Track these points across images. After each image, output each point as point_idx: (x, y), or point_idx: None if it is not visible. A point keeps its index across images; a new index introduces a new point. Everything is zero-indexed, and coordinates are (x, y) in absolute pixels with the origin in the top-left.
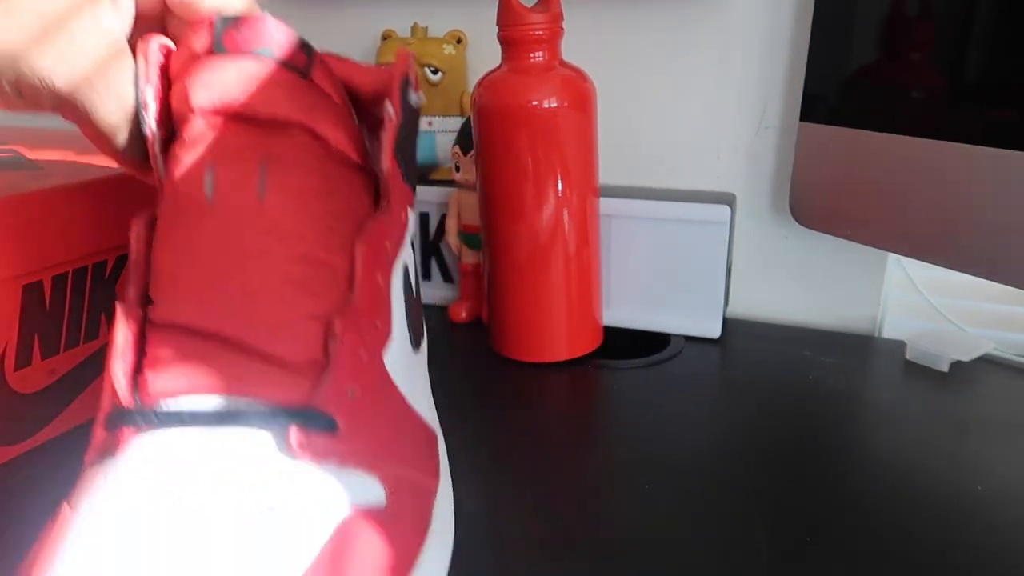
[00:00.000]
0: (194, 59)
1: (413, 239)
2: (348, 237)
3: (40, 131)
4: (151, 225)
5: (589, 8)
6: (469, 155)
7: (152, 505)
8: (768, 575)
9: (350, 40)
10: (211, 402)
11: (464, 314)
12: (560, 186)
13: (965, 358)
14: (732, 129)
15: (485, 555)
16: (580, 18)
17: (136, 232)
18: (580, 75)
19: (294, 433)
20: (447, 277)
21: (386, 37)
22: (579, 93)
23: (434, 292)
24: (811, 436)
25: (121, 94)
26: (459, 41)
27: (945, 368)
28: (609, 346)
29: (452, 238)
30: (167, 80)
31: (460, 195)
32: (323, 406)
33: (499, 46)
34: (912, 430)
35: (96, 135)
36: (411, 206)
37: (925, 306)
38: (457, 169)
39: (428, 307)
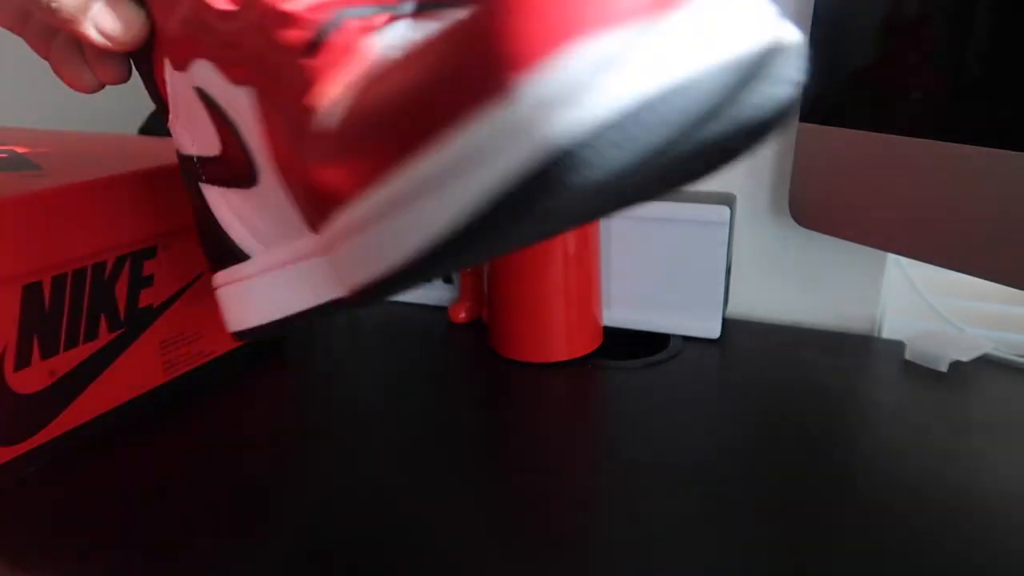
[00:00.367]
0: None
1: None
2: None
3: (40, 131)
4: None
5: None
6: None
7: None
8: (768, 575)
9: None
10: None
11: (464, 314)
12: None
13: (964, 358)
14: None
15: (484, 554)
16: None
17: None
18: None
19: None
20: (447, 277)
21: None
22: None
23: (434, 292)
24: (810, 436)
25: None
26: None
27: (944, 368)
28: (609, 346)
29: None
30: None
31: None
32: None
33: None
34: (912, 430)
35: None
36: None
37: (924, 306)
38: None
39: (428, 307)
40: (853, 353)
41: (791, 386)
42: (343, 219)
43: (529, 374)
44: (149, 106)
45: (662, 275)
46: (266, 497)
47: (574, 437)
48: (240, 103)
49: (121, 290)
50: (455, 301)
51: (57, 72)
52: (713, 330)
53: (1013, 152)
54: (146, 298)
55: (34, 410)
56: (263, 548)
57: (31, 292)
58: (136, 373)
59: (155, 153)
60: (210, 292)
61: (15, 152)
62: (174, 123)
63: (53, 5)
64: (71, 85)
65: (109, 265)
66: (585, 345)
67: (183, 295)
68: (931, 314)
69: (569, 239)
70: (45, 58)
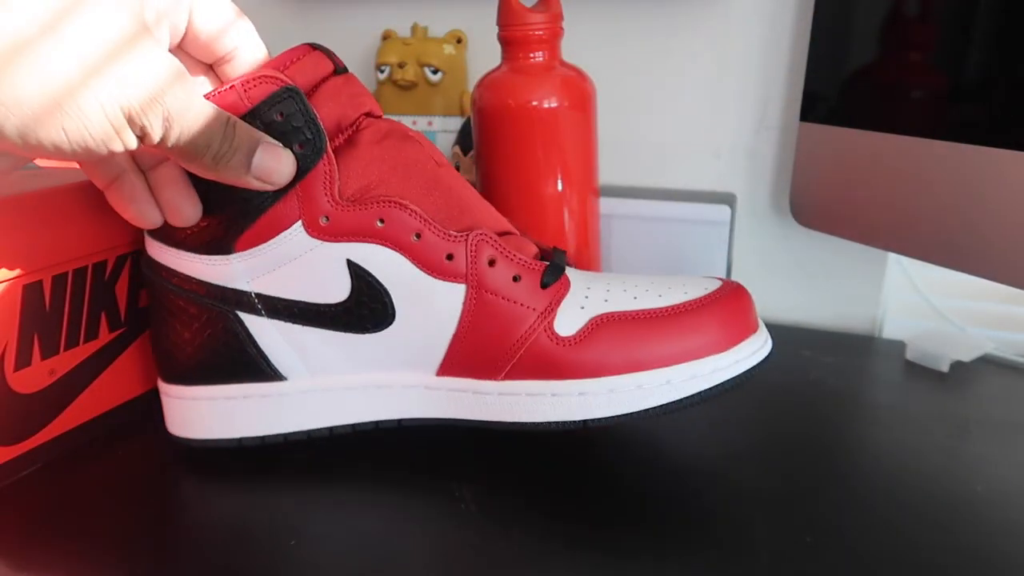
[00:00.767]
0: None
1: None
2: None
3: None
4: None
5: (589, 8)
6: (469, 155)
7: None
8: (768, 575)
9: (350, 40)
10: None
11: None
12: (560, 186)
13: (965, 358)
14: (732, 129)
15: (483, 554)
16: (580, 18)
17: None
18: (580, 75)
19: None
20: None
21: (386, 37)
22: (579, 93)
23: None
24: (811, 436)
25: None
26: (459, 41)
27: (945, 368)
28: None
29: None
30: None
31: None
32: None
33: (499, 46)
34: (912, 430)
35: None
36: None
37: (925, 306)
38: (457, 169)
39: None
40: (853, 353)
41: (792, 386)
42: (528, 386)
43: None
44: None
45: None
46: (267, 495)
47: (573, 437)
48: (428, 287)
49: (122, 289)
50: None
51: (120, 208)
52: None
53: (1013, 152)
54: (147, 298)
55: (34, 410)
56: (266, 548)
57: (31, 292)
58: (137, 373)
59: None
60: None
61: None
62: (246, 266)
63: (222, 163)
64: (134, 221)
65: (110, 264)
66: None
67: None
68: (932, 314)
69: (569, 239)
70: (102, 189)
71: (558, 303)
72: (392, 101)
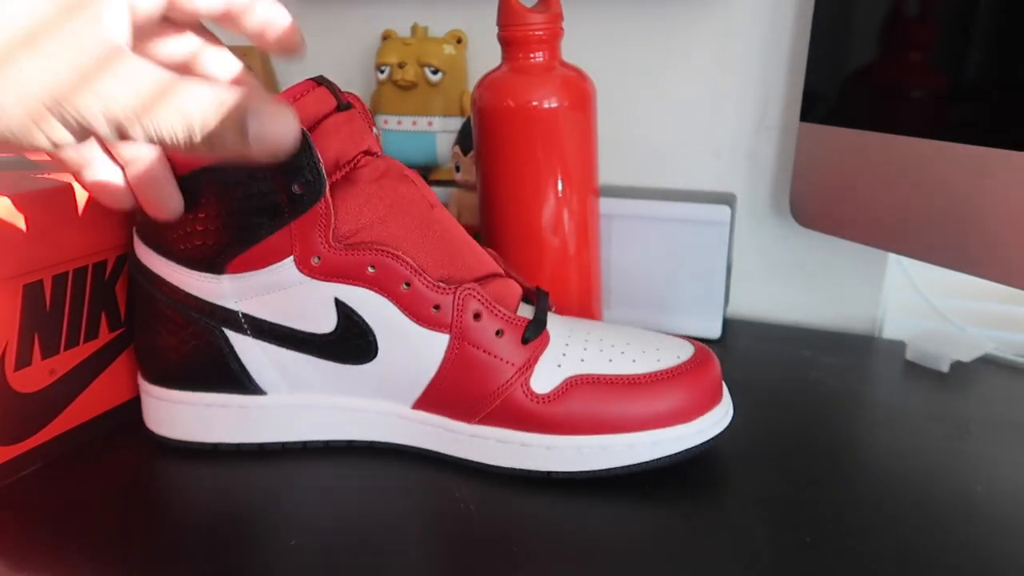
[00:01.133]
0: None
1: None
2: None
3: None
4: None
5: (589, 8)
6: (469, 155)
7: None
8: (768, 575)
9: (350, 40)
10: None
11: None
12: (560, 186)
13: (965, 358)
14: (732, 129)
15: (483, 553)
16: (580, 18)
17: None
18: (580, 75)
19: None
20: None
21: (386, 37)
22: (579, 93)
23: None
24: (811, 436)
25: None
26: (459, 41)
27: (945, 368)
28: None
29: None
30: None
31: (460, 195)
32: None
33: (499, 46)
34: (912, 430)
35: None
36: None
37: (925, 306)
38: (457, 169)
39: None
40: (854, 353)
41: (792, 386)
42: (501, 434)
43: None
44: None
45: (662, 275)
46: (268, 496)
47: None
48: (412, 332)
49: (122, 289)
50: None
51: (140, 189)
52: (714, 330)
53: (1013, 152)
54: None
55: (34, 410)
56: (265, 547)
57: (32, 291)
58: (137, 373)
59: None
60: None
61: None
62: (239, 288)
63: (207, 143)
64: (151, 207)
65: (110, 264)
66: None
67: None
68: (932, 314)
69: (569, 239)
70: (72, 174)
71: (536, 359)
72: (392, 101)
